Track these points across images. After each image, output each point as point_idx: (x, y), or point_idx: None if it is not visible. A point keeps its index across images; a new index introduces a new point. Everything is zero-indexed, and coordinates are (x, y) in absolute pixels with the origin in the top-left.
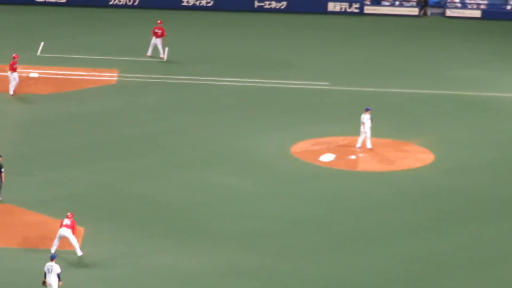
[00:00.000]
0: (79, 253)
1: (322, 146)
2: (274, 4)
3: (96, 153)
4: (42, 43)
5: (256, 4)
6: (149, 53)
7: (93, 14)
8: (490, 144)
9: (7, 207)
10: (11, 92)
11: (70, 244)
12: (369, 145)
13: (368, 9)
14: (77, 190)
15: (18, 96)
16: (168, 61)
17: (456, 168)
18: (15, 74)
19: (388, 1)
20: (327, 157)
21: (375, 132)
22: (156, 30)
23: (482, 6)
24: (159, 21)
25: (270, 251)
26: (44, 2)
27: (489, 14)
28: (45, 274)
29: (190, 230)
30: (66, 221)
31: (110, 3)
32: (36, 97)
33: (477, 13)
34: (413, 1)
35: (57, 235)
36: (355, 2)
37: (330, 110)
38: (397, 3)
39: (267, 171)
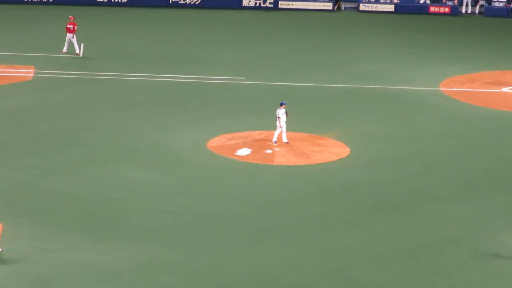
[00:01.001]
0: None
1: (239, 141)
2: (189, 0)
3: (13, 150)
4: None
5: None
6: (65, 49)
7: (9, 10)
8: (405, 137)
9: None
10: None
11: None
12: (285, 139)
13: (283, 4)
14: None
15: None
16: (84, 57)
17: (372, 161)
18: None
19: None
20: (243, 152)
21: (290, 126)
22: (69, 26)
23: (395, 1)
24: (70, 17)
25: (188, 246)
26: None
27: (402, 9)
28: None
29: (108, 225)
30: None
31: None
32: None
33: (390, 7)
34: None
35: None
36: None
37: (246, 105)
38: None
39: (184, 166)
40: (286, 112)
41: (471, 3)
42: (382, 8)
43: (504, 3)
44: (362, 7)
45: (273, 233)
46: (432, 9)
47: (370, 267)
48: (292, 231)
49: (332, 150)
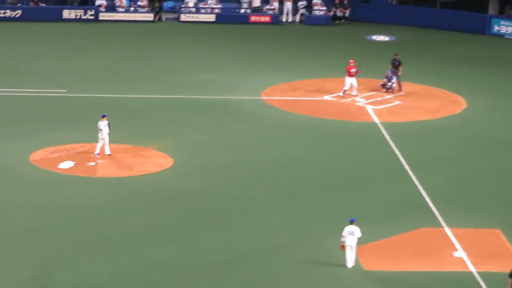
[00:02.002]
0: None
1: (61, 154)
2: (8, 13)
3: None
4: None
5: None
6: None
7: None
8: (228, 146)
9: None
10: None
11: None
12: (107, 151)
13: (103, 16)
14: None
15: None
16: None
17: (195, 171)
18: None
19: (122, 7)
20: (66, 164)
21: (113, 138)
22: None
23: (216, 10)
24: None
25: (10, 260)
26: None
27: (223, 18)
28: None
29: None
30: None
31: None
32: None
33: (211, 17)
34: (148, 7)
35: None
36: (90, 9)
37: (68, 118)
38: (132, 9)
39: (6, 180)
40: (108, 124)
41: (292, 11)
42: (203, 18)
43: (324, 11)
44: (183, 17)
45: (98, 245)
46: (253, 18)
47: (196, 277)
48: (117, 242)
49: (155, 161)
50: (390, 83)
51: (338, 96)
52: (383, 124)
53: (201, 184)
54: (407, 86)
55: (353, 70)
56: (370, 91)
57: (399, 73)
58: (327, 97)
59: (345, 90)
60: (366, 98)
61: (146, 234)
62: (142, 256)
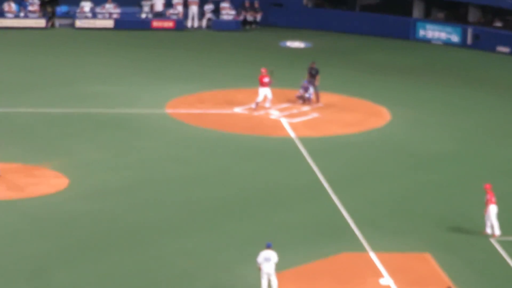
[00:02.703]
0: None
1: None
2: None
3: None
4: None
5: None
6: None
7: None
8: (130, 164)
9: None
10: None
11: None
12: None
13: None
14: None
15: None
16: None
17: (94, 192)
18: None
19: (12, 13)
20: None
21: (3, 157)
22: None
23: (114, 16)
24: None
25: None
26: None
27: (122, 24)
28: None
29: None
30: None
31: None
32: None
33: (109, 23)
34: (39, 12)
35: None
36: None
37: None
38: (22, 14)
39: None
40: None
41: (198, 16)
42: (101, 24)
43: (233, 15)
44: (78, 23)
45: None
46: (155, 23)
47: None
48: (10, 271)
49: (49, 181)
50: (307, 94)
51: (250, 108)
52: (300, 139)
53: (100, 207)
54: (325, 97)
55: (266, 79)
56: (285, 102)
57: (317, 83)
58: (238, 110)
59: (257, 102)
60: (281, 110)
61: (42, 261)
62: (39, 285)
